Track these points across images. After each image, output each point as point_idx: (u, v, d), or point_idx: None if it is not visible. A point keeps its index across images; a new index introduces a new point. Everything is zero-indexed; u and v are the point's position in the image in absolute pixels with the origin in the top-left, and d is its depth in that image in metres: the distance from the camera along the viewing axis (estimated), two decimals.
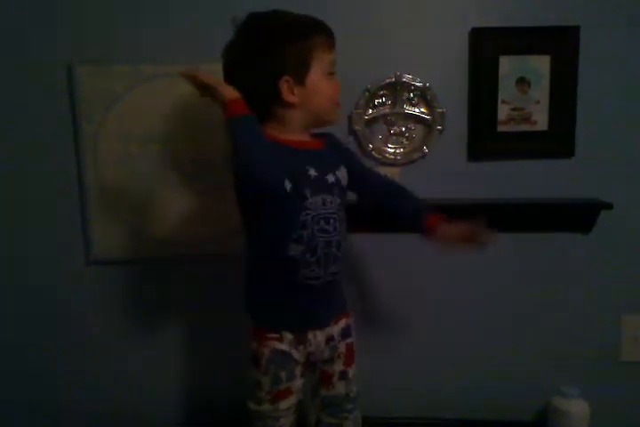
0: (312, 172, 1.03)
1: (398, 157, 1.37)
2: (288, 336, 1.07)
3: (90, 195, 1.36)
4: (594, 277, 1.41)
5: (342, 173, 1.09)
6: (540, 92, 1.34)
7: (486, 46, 1.31)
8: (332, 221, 1.04)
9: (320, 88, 1.04)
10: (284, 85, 1.01)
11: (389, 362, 1.43)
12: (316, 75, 1.03)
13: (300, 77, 1.02)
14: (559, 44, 1.31)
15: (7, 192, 1.37)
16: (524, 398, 1.44)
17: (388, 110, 1.36)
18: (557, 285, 1.42)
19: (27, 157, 1.36)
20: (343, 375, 1.14)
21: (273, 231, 1.03)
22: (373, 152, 1.36)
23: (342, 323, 1.13)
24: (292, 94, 1.02)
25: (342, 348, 1.13)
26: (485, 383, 1.44)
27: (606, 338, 1.43)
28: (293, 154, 1.04)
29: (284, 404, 1.08)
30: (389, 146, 1.38)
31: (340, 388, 1.13)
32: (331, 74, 1.06)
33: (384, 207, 1.15)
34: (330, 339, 1.11)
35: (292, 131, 1.06)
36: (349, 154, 1.17)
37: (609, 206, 1.32)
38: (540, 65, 1.33)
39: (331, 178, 1.06)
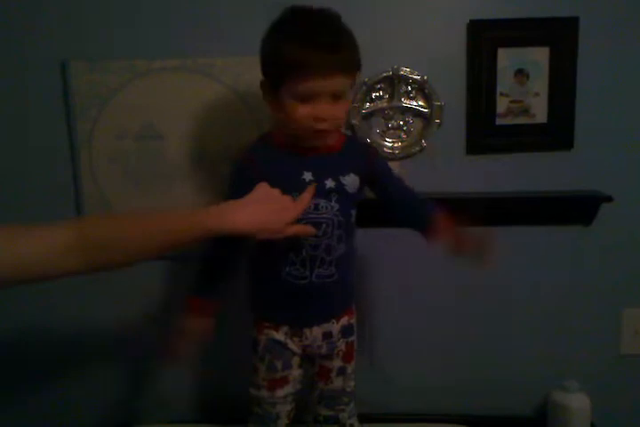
0: (308, 176, 1.03)
1: (396, 151, 1.36)
2: (283, 327, 1.09)
3: (85, 191, 1.35)
4: (594, 269, 1.40)
5: (349, 180, 1.06)
6: (539, 84, 1.32)
7: (484, 38, 1.29)
8: (323, 226, 1.03)
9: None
10: None
11: (388, 358, 1.43)
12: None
13: None
14: (558, 35, 1.30)
15: (0, 189, 1.36)
16: (524, 393, 1.44)
17: (385, 104, 1.35)
18: (557, 278, 1.41)
19: (21, 154, 1.35)
20: (342, 371, 1.14)
21: None
22: None
23: (344, 321, 1.13)
24: None
25: (342, 346, 1.13)
26: (484, 378, 1.44)
27: (606, 331, 1.43)
28: (293, 159, 1.04)
29: (281, 391, 1.10)
30: (387, 140, 1.36)
31: (338, 383, 1.15)
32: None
33: (396, 213, 1.15)
34: (327, 335, 1.11)
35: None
36: (373, 166, 1.12)
37: (609, 199, 1.32)
38: (538, 57, 1.31)
39: (329, 183, 1.04)
